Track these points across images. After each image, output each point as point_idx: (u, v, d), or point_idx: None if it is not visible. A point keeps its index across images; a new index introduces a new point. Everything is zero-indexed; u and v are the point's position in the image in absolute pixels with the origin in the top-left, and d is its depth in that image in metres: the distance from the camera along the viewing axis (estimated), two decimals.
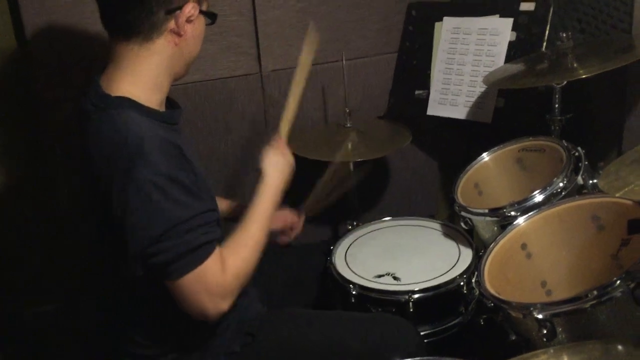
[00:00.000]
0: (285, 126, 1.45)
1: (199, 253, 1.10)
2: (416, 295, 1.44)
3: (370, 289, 1.48)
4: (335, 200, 1.67)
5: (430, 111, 2.01)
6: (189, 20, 1.17)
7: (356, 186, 1.91)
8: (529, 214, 1.40)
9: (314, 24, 1.53)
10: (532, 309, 1.13)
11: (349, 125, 1.86)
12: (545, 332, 1.10)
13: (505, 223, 1.43)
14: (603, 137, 1.88)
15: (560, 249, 1.37)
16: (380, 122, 2.09)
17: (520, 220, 1.40)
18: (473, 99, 1.91)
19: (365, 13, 2.03)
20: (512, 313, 1.19)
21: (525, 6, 1.84)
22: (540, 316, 1.11)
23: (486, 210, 1.50)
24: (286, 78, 1.98)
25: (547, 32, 1.78)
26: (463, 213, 1.55)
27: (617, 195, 1.09)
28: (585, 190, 1.45)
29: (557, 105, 1.66)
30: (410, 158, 2.24)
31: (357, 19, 2.02)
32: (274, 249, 1.42)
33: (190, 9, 1.16)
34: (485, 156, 1.69)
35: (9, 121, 1.78)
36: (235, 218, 1.54)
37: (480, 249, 1.55)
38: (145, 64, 1.17)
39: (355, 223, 1.83)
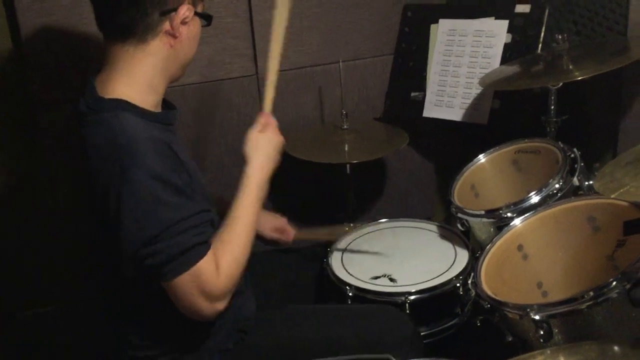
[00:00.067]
0: (268, 98, 1.34)
1: (193, 254, 1.10)
2: (412, 297, 1.44)
3: (366, 291, 1.48)
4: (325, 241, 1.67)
5: (427, 113, 2.01)
6: (184, 22, 1.17)
7: (353, 188, 1.91)
8: (525, 215, 1.40)
9: None
10: (528, 310, 1.13)
11: (345, 126, 1.86)
12: (541, 333, 1.10)
13: (501, 224, 1.44)
14: (598, 138, 1.89)
15: (556, 250, 1.37)
16: (376, 123, 2.09)
17: (517, 222, 1.40)
18: (469, 101, 1.91)
19: (361, 15, 2.03)
20: (509, 314, 1.19)
21: (520, 8, 1.84)
22: (536, 317, 1.11)
23: (482, 212, 1.50)
24: (283, 80, 1.98)
25: (542, 34, 1.79)
26: (459, 214, 1.55)
27: (613, 196, 1.09)
28: (581, 192, 1.45)
29: (552, 107, 1.66)
30: (406, 160, 2.24)
31: (354, 21, 2.02)
32: (270, 251, 1.43)
33: (185, 11, 1.16)
34: (482, 158, 1.69)
35: (8, 122, 1.78)
36: None
37: (476, 250, 1.55)
38: (140, 65, 1.17)
39: (352, 224, 1.83)
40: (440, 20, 2.00)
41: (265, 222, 1.55)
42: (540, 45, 1.79)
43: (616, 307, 1.08)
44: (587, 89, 1.85)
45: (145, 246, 1.07)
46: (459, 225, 1.57)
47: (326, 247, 1.68)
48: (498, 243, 1.38)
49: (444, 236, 1.68)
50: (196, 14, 1.20)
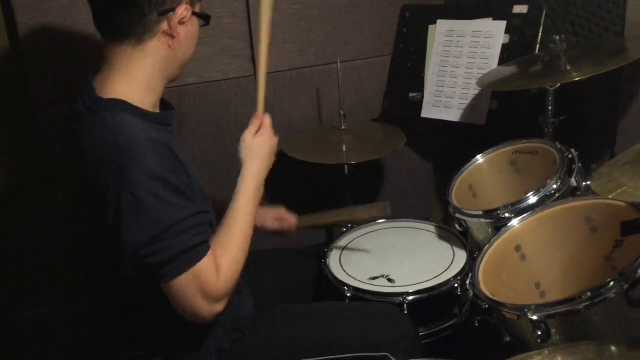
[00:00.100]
0: (260, 98, 1.34)
1: (193, 254, 1.10)
2: (410, 297, 1.44)
3: (364, 291, 1.48)
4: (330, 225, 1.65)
5: (425, 113, 2.01)
6: (181, 22, 1.17)
7: (351, 188, 1.91)
8: (523, 215, 1.40)
9: None
10: (526, 310, 1.13)
11: (343, 127, 1.86)
12: (539, 333, 1.10)
13: (499, 225, 1.44)
14: (596, 139, 1.89)
15: (554, 251, 1.37)
16: (374, 124, 2.09)
17: (515, 222, 1.40)
18: (467, 102, 1.92)
19: (359, 15, 2.03)
20: (507, 314, 1.19)
21: (518, 9, 1.85)
22: (534, 317, 1.11)
23: (480, 212, 1.50)
24: (280, 80, 1.99)
25: (540, 34, 1.79)
26: (457, 215, 1.55)
27: (610, 196, 1.09)
28: (578, 192, 1.46)
29: (550, 108, 1.67)
30: (404, 160, 2.24)
31: (352, 22, 2.03)
32: (268, 252, 1.42)
33: (182, 11, 1.16)
34: (480, 158, 1.69)
35: (8, 122, 1.78)
36: None
37: (474, 250, 1.55)
38: (138, 65, 1.17)
39: (349, 225, 1.83)
40: (438, 21, 2.00)
41: (265, 215, 1.54)
42: (537, 46, 1.79)
43: (614, 308, 1.08)
44: (584, 90, 1.85)
45: (146, 246, 1.07)
46: (457, 226, 1.57)
47: (324, 248, 1.68)
48: (496, 243, 1.38)
49: (442, 237, 1.68)
50: (194, 14, 1.20)
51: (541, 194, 1.43)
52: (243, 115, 1.97)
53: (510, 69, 1.75)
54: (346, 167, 1.86)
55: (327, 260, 1.62)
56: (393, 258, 1.61)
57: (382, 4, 2.05)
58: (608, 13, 1.76)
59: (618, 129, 1.81)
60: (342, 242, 1.71)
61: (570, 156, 1.49)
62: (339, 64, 1.82)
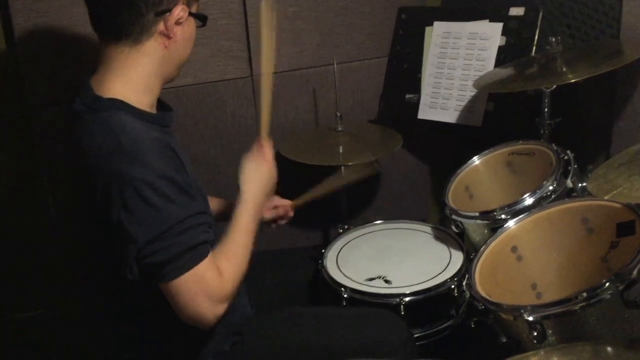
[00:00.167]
0: (263, 123, 1.35)
1: (196, 253, 1.10)
2: (407, 298, 1.45)
3: (361, 292, 1.48)
4: (328, 194, 1.64)
5: (421, 115, 2.02)
6: (178, 23, 1.17)
7: (347, 190, 1.91)
8: (519, 217, 1.41)
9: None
10: (522, 311, 1.13)
11: (340, 129, 1.86)
12: (535, 334, 1.11)
13: (495, 226, 1.44)
14: (592, 140, 1.89)
15: (550, 252, 1.37)
16: (371, 126, 2.10)
17: (511, 223, 1.41)
18: (463, 103, 1.92)
19: (356, 17, 2.03)
20: (503, 315, 1.19)
21: (514, 11, 1.85)
22: (530, 318, 1.11)
23: (477, 214, 1.50)
24: (277, 82, 1.98)
25: (536, 36, 1.80)
26: (454, 216, 1.55)
27: (606, 197, 1.10)
28: (574, 194, 1.46)
29: (546, 109, 1.67)
30: (401, 161, 2.24)
31: (348, 23, 2.03)
32: (265, 252, 1.42)
33: (179, 11, 1.16)
34: (476, 160, 1.69)
35: (8, 122, 1.78)
36: (227, 217, 1.55)
37: (471, 252, 1.56)
38: (135, 66, 1.16)
39: (346, 226, 1.84)
40: (435, 23, 2.00)
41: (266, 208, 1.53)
42: (534, 48, 1.79)
43: (609, 308, 1.08)
44: (580, 92, 1.86)
45: (150, 244, 1.06)
46: (453, 227, 1.57)
47: (321, 249, 1.68)
48: (492, 245, 1.38)
49: (438, 238, 1.68)
50: (191, 14, 1.20)
51: (537, 195, 1.43)
52: (240, 117, 1.97)
53: (506, 71, 1.76)
54: (343, 168, 1.86)
55: (324, 261, 1.62)
56: (390, 259, 1.61)
57: (378, 6, 2.06)
58: (604, 16, 1.77)
59: (613, 131, 1.82)
60: (339, 243, 1.71)
61: (566, 157, 1.50)
62: (335, 65, 1.83)
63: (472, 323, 1.42)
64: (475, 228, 1.53)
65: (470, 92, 1.90)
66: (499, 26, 1.87)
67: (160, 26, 1.16)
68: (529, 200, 1.43)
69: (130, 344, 1.25)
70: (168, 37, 1.17)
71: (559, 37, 1.62)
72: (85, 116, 1.14)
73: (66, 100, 1.22)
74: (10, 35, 1.67)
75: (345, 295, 1.49)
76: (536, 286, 1.36)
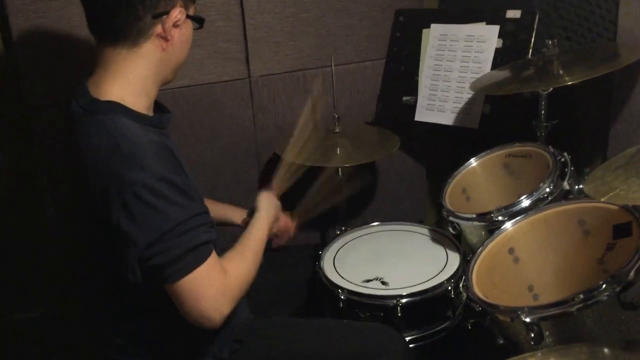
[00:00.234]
0: (278, 184, 1.54)
1: (198, 253, 1.10)
2: (404, 300, 1.45)
3: (358, 294, 1.48)
4: (327, 208, 1.67)
5: (418, 117, 2.02)
6: (175, 25, 1.17)
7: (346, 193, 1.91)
8: (516, 218, 1.41)
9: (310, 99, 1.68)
10: (519, 312, 1.13)
11: (337, 130, 1.87)
12: (532, 335, 1.11)
13: (492, 228, 1.44)
14: (588, 143, 1.90)
15: (547, 254, 1.38)
16: (368, 127, 2.10)
17: (508, 225, 1.41)
18: (460, 105, 1.92)
19: (353, 19, 2.04)
20: (500, 317, 1.19)
21: (511, 14, 1.86)
22: (527, 320, 1.12)
23: (474, 215, 1.50)
24: (275, 83, 1.99)
25: (533, 39, 1.80)
26: (451, 218, 1.56)
27: (603, 200, 1.10)
28: (571, 196, 1.46)
29: (543, 112, 1.68)
30: (398, 163, 2.24)
31: (346, 25, 2.03)
32: (263, 254, 1.42)
33: (177, 14, 1.16)
34: (473, 161, 1.70)
35: (6, 122, 1.78)
36: (226, 221, 1.55)
37: (468, 253, 1.56)
38: (132, 68, 1.16)
39: (343, 228, 1.83)
40: (432, 25, 2.01)
41: None
42: (530, 51, 1.80)
43: (606, 310, 1.08)
44: (577, 94, 1.86)
45: (151, 246, 1.06)
46: (450, 229, 1.57)
47: (318, 250, 1.68)
48: (489, 246, 1.38)
49: (435, 239, 1.68)
50: (188, 16, 1.20)
51: (534, 197, 1.43)
52: (237, 118, 1.97)
53: (503, 73, 1.76)
54: (340, 170, 1.86)
55: (321, 262, 1.62)
56: (387, 261, 1.61)
57: (376, 8, 2.06)
58: (600, 18, 1.77)
59: (610, 133, 1.82)
60: (336, 244, 1.71)
61: (562, 160, 1.50)
62: (333, 67, 1.83)
63: (469, 325, 1.43)
64: (472, 230, 1.53)
65: (467, 94, 1.90)
66: (495, 28, 1.87)
67: (158, 29, 1.16)
68: (525, 202, 1.44)
69: (131, 344, 1.24)
70: (166, 39, 1.17)
71: (556, 40, 1.63)
72: (82, 118, 1.13)
73: (64, 101, 1.21)
74: (8, 37, 1.66)
75: (342, 297, 1.49)
76: (533, 288, 1.37)
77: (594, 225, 1.30)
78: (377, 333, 1.35)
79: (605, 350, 0.96)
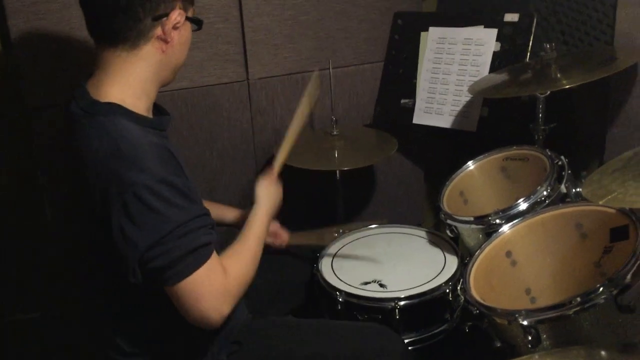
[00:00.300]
0: (278, 164, 1.48)
1: (197, 255, 1.10)
2: (402, 302, 1.45)
3: (356, 296, 1.48)
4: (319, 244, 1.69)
5: (416, 120, 2.03)
6: (175, 27, 1.18)
7: (343, 194, 1.91)
8: (514, 222, 1.41)
9: (317, 74, 1.58)
10: (516, 315, 1.13)
11: (335, 133, 1.87)
12: (530, 338, 1.11)
13: (490, 231, 1.45)
14: (586, 146, 1.91)
15: (545, 257, 1.38)
16: (366, 130, 2.10)
17: (505, 228, 1.41)
18: (458, 108, 1.93)
19: (352, 22, 2.04)
20: (497, 319, 1.20)
21: (509, 17, 1.86)
22: (525, 322, 1.12)
23: (471, 218, 1.51)
24: (273, 85, 1.99)
25: (530, 42, 1.81)
26: (449, 221, 1.56)
27: (600, 203, 1.10)
28: (568, 199, 1.47)
29: (540, 115, 1.68)
30: (396, 166, 2.25)
31: (344, 28, 2.04)
32: (261, 256, 1.42)
33: (176, 16, 1.17)
34: (471, 165, 1.70)
35: (6, 123, 1.78)
36: (224, 223, 1.55)
37: (465, 256, 1.56)
38: (132, 70, 1.17)
39: (341, 230, 1.83)
40: (430, 28, 2.01)
41: None
42: (528, 54, 1.81)
43: (603, 313, 1.09)
44: (574, 98, 1.87)
45: (151, 248, 1.06)
46: (448, 232, 1.58)
47: (316, 251, 1.68)
48: (487, 249, 1.39)
49: (433, 242, 1.69)
50: (187, 18, 1.21)
51: (531, 201, 1.44)
52: (235, 120, 1.97)
53: (501, 77, 1.77)
54: (338, 172, 1.87)
55: (319, 265, 1.62)
56: (385, 263, 1.62)
57: (374, 11, 2.07)
58: (598, 22, 1.78)
59: (607, 137, 1.83)
60: (334, 247, 1.71)
61: (560, 163, 1.50)
62: (331, 69, 1.83)
63: (466, 327, 1.43)
64: (469, 233, 1.53)
65: (465, 98, 1.91)
66: (493, 32, 1.88)
67: (158, 31, 1.16)
68: (523, 206, 1.44)
69: (131, 344, 1.24)
70: (165, 41, 1.17)
71: (554, 44, 1.63)
72: (82, 120, 1.13)
73: (64, 102, 1.21)
74: (7, 38, 1.66)
75: (340, 299, 1.49)
76: (530, 291, 1.37)
77: (591, 229, 1.31)
78: (376, 334, 1.35)
79: (603, 353, 0.96)
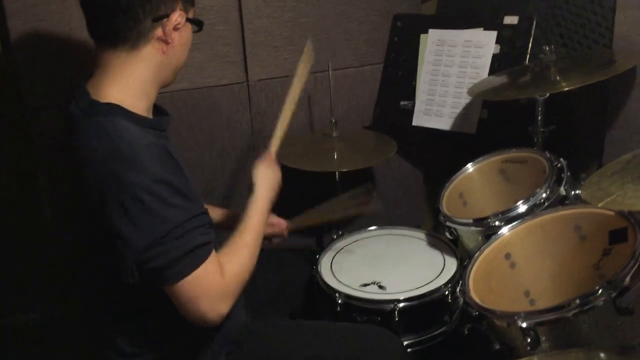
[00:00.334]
0: (275, 142, 1.45)
1: (195, 256, 1.10)
2: (401, 304, 1.45)
3: (356, 298, 1.48)
4: (325, 223, 1.67)
5: (416, 122, 2.03)
6: (175, 28, 1.18)
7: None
8: (513, 224, 1.42)
9: (310, 42, 1.55)
10: (515, 317, 1.14)
11: (335, 134, 1.87)
12: (529, 340, 1.11)
13: (489, 233, 1.45)
14: (585, 149, 1.91)
15: (544, 259, 1.38)
16: (366, 132, 2.10)
17: (504, 230, 1.41)
18: (458, 110, 1.93)
19: (351, 24, 2.04)
20: (497, 322, 1.20)
21: (508, 20, 1.87)
22: (524, 325, 1.12)
23: (471, 220, 1.51)
24: (273, 87, 1.99)
25: (530, 45, 1.81)
26: (448, 223, 1.56)
27: (599, 205, 1.10)
28: (567, 201, 1.47)
29: (539, 117, 1.68)
30: (395, 168, 2.25)
31: (344, 30, 2.04)
32: (260, 256, 1.42)
33: (177, 17, 1.17)
34: (470, 167, 1.70)
35: (5, 123, 1.78)
36: (223, 226, 1.55)
37: (464, 258, 1.56)
38: (132, 71, 1.17)
39: (340, 232, 1.84)
40: (430, 31, 2.02)
41: None
42: (527, 57, 1.81)
43: (602, 315, 1.09)
44: (573, 100, 1.87)
45: (149, 249, 1.07)
46: (447, 234, 1.58)
47: (315, 254, 1.68)
48: (486, 251, 1.39)
49: (432, 244, 1.69)
50: (188, 20, 1.21)
51: (530, 203, 1.44)
52: (235, 122, 1.97)
53: (500, 79, 1.77)
54: (337, 174, 1.87)
55: (319, 266, 1.62)
56: (384, 265, 1.62)
57: (373, 13, 2.07)
58: (597, 25, 1.79)
59: (606, 139, 1.83)
60: (333, 248, 1.71)
61: (559, 165, 1.51)
62: (330, 71, 1.83)
63: (465, 329, 1.42)
64: (469, 235, 1.53)
65: (465, 100, 1.91)
66: (493, 34, 1.88)
67: (158, 32, 1.16)
68: (522, 208, 1.44)
69: (131, 344, 1.24)
70: (166, 42, 1.17)
71: (553, 46, 1.64)
72: (82, 120, 1.13)
73: (64, 102, 1.21)
74: (6, 38, 1.66)
75: (339, 301, 1.49)
76: (529, 293, 1.37)
77: (590, 231, 1.31)
78: (376, 335, 1.35)
79: (602, 355, 0.97)
